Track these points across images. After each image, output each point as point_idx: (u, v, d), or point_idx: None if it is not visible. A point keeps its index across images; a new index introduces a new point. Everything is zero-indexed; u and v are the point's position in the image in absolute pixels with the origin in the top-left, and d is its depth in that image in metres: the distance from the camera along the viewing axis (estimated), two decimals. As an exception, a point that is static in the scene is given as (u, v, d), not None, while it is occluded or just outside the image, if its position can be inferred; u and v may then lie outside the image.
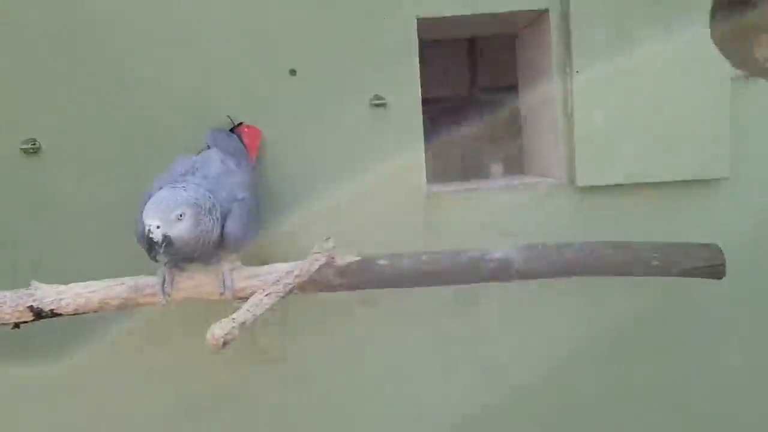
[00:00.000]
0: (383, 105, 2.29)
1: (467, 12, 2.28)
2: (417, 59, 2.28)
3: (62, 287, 1.90)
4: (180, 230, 1.70)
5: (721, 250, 2.07)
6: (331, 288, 1.95)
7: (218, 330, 1.62)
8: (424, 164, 2.33)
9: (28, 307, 1.86)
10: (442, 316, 2.37)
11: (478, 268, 1.99)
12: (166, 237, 1.68)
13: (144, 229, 1.68)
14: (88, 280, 1.96)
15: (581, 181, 2.30)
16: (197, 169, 1.87)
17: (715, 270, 2.05)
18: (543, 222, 2.32)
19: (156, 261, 1.72)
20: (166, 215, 1.68)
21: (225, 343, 1.62)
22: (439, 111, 2.97)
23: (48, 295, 1.88)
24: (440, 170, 2.68)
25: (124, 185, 2.18)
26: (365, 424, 2.41)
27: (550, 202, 2.35)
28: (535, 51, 2.51)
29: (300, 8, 2.24)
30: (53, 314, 1.89)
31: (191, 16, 2.20)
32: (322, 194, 2.29)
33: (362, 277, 1.95)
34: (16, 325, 1.90)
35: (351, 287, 1.96)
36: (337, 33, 2.26)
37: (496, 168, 2.77)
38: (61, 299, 1.88)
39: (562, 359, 2.36)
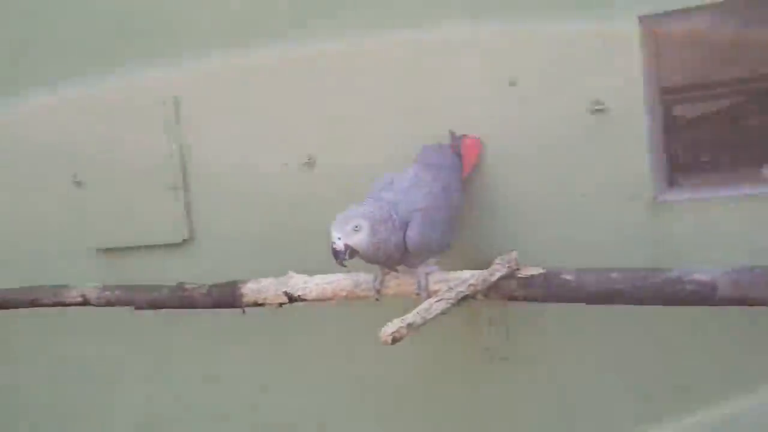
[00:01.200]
0: (603, 110, 2.21)
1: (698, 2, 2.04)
2: (640, 60, 2.14)
3: (307, 277, 2.36)
4: (357, 240, 1.98)
5: None
6: (514, 298, 2.02)
7: (389, 328, 1.86)
8: (649, 171, 2.18)
9: (283, 292, 2.38)
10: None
11: (673, 291, 1.82)
12: (347, 246, 1.99)
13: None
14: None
15: None
16: (392, 183, 2.13)
17: None
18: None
19: (344, 266, 2.04)
20: (344, 227, 1.98)
21: (394, 340, 1.85)
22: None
23: (298, 283, 2.36)
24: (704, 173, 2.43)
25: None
26: (584, 424, 2.38)
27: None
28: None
29: (516, 17, 2.29)
30: (301, 299, 2.36)
31: (410, 33, 2.43)
32: (540, 202, 2.33)
33: (545, 290, 1.97)
34: (279, 305, 2.43)
35: (534, 299, 2.00)
36: (555, 39, 2.26)
37: (770, 171, 2.37)
38: (306, 287, 2.35)
39: None
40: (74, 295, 2.83)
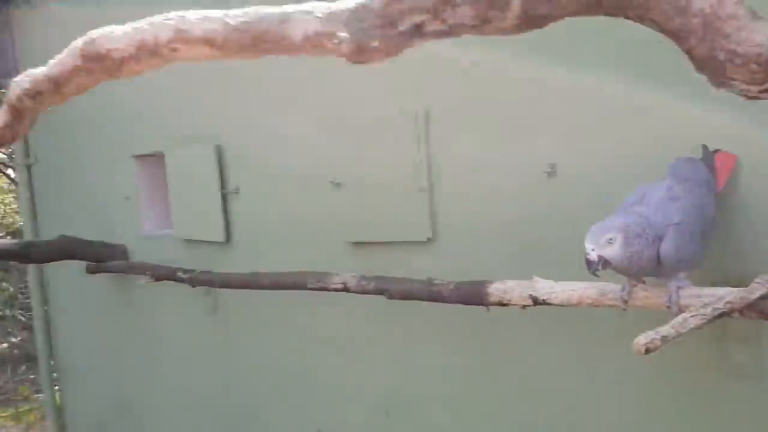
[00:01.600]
0: None
1: None
2: None
3: (553, 283, 2.54)
4: (610, 252, 2.11)
5: None
6: (774, 319, 2.04)
7: (643, 339, 1.99)
8: None
9: (529, 295, 2.58)
10: None
11: None
12: (600, 257, 2.12)
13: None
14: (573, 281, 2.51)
15: None
16: (644, 196, 2.22)
17: None
18: None
19: (596, 276, 2.18)
20: (598, 239, 2.11)
21: (647, 350, 1.98)
22: None
23: (543, 288, 2.55)
24: None
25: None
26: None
27: None
28: None
29: None
30: (545, 303, 2.55)
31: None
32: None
33: (809, 313, 1.98)
34: (523, 307, 2.65)
35: (795, 321, 2.01)
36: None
37: None
38: (552, 292, 2.53)
39: None
40: (336, 281, 3.27)
